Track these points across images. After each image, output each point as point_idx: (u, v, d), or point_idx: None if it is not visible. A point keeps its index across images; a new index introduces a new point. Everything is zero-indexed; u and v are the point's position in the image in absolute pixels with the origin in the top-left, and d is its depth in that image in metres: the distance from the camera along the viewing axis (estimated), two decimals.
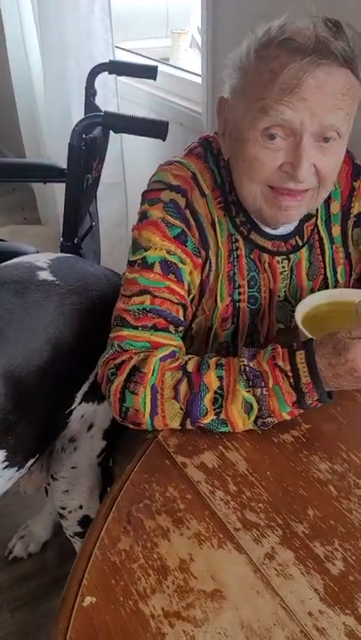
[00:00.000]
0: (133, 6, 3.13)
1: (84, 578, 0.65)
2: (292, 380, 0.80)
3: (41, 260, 1.12)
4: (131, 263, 0.95)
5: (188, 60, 2.55)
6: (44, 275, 1.06)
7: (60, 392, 1.03)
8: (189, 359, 0.87)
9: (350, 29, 0.81)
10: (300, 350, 0.81)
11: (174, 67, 2.32)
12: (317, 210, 1.03)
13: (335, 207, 1.04)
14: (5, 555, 1.52)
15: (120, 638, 0.60)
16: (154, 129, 1.44)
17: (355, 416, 0.87)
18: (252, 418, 0.82)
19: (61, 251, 1.55)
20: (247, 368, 0.82)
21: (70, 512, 1.16)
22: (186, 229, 0.94)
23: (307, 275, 1.04)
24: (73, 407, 1.07)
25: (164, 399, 0.83)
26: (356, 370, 0.77)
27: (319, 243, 1.04)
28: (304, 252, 1.03)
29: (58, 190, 2.28)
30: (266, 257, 1.00)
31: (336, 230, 1.05)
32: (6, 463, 0.95)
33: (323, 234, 1.04)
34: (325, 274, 1.06)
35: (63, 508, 1.16)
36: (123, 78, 2.08)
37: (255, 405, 0.81)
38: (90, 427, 1.10)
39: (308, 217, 1.01)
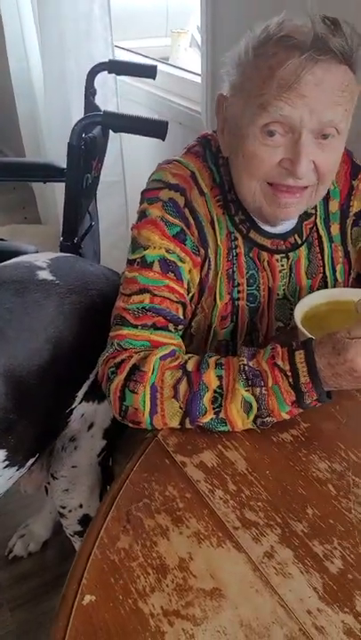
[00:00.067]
0: (133, 5, 3.14)
1: (83, 576, 0.66)
2: (291, 380, 0.80)
3: (40, 259, 1.12)
4: (130, 262, 0.95)
5: (188, 60, 2.56)
6: (44, 274, 1.06)
7: (61, 391, 1.03)
8: (189, 358, 0.87)
9: (348, 26, 0.81)
10: (299, 350, 0.81)
11: (174, 66, 2.32)
12: (316, 208, 1.03)
13: (334, 206, 1.04)
14: (5, 554, 1.52)
15: (119, 637, 0.60)
16: (153, 128, 1.44)
17: (354, 415, 0.87)
18: (252, 417, 0.82)
19: (61, 250, 1.55)
20: (246, 367, 0.82)
21: (70, 511, 1.16)
22: (185, 228, 0.94)
23: (306, 273, 1.05)
24: (73, 406, 1.07)
25: (164, 398, 0.83)
26: (355, 369, 0.77)
27: (318, 241, 1.04)
28: (303, 250, 1.03)
29: (58, 190, 2.28)
30: (265, 255, 1.00)
31: (335, 229, 1.05)
32: (7, 462, 0.95)
33: (322, 232, 1.04)
34: (324, 272, 1.06)
35: (63, 507, 1.16)
36: (122, 77, 2.08)
37: (254, 405, 0.81)
38: (90, 426, 1.10)
39: (307, 215, 1.02)
